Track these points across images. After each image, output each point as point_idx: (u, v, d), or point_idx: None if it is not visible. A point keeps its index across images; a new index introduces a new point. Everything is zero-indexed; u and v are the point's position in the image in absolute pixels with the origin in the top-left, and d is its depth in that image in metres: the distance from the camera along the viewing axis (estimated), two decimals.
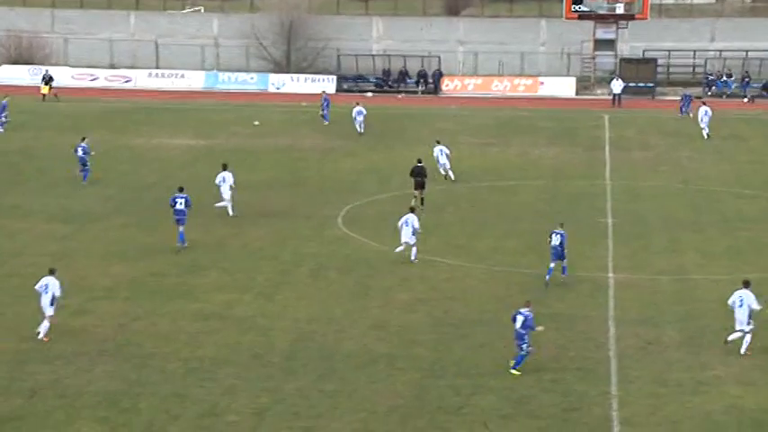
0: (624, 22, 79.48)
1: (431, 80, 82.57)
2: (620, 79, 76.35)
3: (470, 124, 66.97)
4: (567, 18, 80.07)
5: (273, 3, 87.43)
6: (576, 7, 78.67)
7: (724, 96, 76.56)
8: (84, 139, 50.13)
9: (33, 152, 57.89)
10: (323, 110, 65.94)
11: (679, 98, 70.56)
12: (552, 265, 35.55)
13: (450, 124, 67.09)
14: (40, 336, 30.04)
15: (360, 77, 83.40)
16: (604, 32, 79.88)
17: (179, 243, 39.33)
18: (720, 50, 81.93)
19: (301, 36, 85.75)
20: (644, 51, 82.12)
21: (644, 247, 39.83)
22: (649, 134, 64.08)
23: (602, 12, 78.73)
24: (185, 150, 57.15)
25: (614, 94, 75.58)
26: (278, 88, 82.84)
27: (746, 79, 78.86)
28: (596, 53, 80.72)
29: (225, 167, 43.98)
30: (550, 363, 28.72)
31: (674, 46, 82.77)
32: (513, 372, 27.74)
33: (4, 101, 63.66)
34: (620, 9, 78.40)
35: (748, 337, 28.81)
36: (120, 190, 49.23)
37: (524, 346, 27.88)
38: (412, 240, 37.64)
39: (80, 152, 49.51)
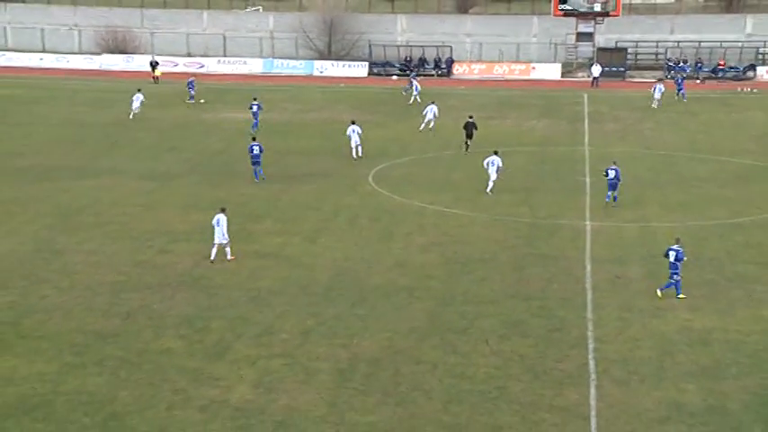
0: (601, 18, 78.54)
1: (444, 66, 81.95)
2: (598, 64, 75.66)
3: (475, 102, 66.45)
4: (554, 15, 79.27)
5: (318, 3, 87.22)
6: (562, 6, 77.96)
7: (682, 78, 75.52)
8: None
9: (126, 124, 57.94)
10: (408, 89, 67.08)
11: (648, 80, 69.74)
12: (609, 192, 38.07)
13: (459, 102, 66.59)
14: (228, 257, 31.23)
15: (387, 63, 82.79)
16: (585, 27, 79.00)
17: (257, 179, 42.04)
18: (678, 41, 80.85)
19: (340, 30, 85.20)
20: (616, 42, 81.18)
21: (614, 201, 39.55)
22: (620, 109, 63.42)
23: (582, 10, 77.94)
24: (246, 123, 56.97)
25: (593, 77, 74.96)
26: (321, 72, 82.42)
27: (699, 64, 77.88)
28: (578, 43, 79.87)
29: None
30: (538, 293, 28.67)
31: (641, 37, 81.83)
32: (670, 294, 27.84)
33: (191, 78, 66.13)
34: (597, 7, 77.65)
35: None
36: (194, 154, 49.26)
37: (675, 275, 27.83)
38: (495, 176, 40.06)
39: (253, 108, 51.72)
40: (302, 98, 68.23)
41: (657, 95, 61.62)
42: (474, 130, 48.64)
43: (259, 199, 40.00)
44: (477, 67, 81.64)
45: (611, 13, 77.83)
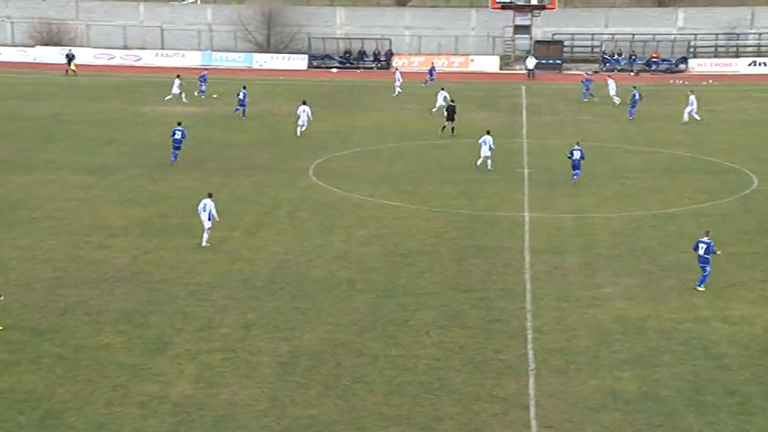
0: (537, 11, 79.16)
1: (383, 58, 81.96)
2: (534, 57, 76.22)
3: (415, 94, 66.55)
4: (492, 8, 79.69)
5: None
6: None
7: (615, 71, 76.57)
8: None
9: (63, 117, 56.95)
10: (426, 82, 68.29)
11: (582, 73, 70.40)
12: (574, 172, 40.14)
13: (399, 94, 66.60)
14: (204, 244, 31.65)
15: (327, 56, 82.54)
16: (522, 19, 79.51)
17: (173, 161, 43.71)
18: (613, 34, 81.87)
19: (279, 23, 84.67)
20: (553, 35, 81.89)
21: (552, 192, 39.98)
22: (557, 102, 64.05)
23: (519, 3, 78.39)
24: (185, 116, 56.31)
25: (529, 70, 75.50)
26: (260, 65, 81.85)
27: (633, 57, 79.01)
28: (515, 36, 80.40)
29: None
30: (478, 285, 28.87)
31: (577, 30, 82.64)
32: (699, 289, 27.83)
33: (203, 73, 65.05)
34: (534, 1, 78.18)
35: None
36: (133, 148, 48.61)
37: (707, 267, 27.85)
38: (488, 153, 42.61)
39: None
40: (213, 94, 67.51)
41: (613, 92, 61.30)
42: (454, 114, 50.73)
43: (199, 193, 39.39)
44: (416, 59, 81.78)
45: (547, 6, 78.50)
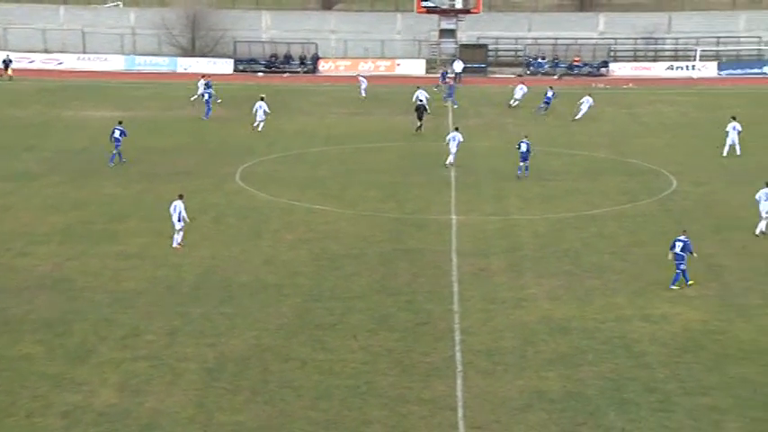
0: (462, 15, 79.89)
1: (310, 62, 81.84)
2: (460, 61, 76.86)
3: (341, 98, 66.63)
4: (417, 12, 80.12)
5: None
6: (425, 3, 78.82)
7: (539, 75, 77.68)
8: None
9: None
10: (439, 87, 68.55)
11: (513, 76, 71.25)
12: (521, 164, 41.79)
13: (325, 98, 66.66)
14: (174, 245, 31.64)
15: (252, 60, 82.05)
16: (447, 23, 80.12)
17: (110, 163, 43.84)
18: (536, 38, 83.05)
19: (203, 26, 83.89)
20: (478, 38, 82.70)
21: (478, 195, 40.34)
22: (482, 105, 64.63)
23: (444, 7, 79.04)
24: (108, 121, 55.42)
25: (456, 73, 76.05)
26: (185, 69, 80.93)
27: (556, 61, 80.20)
28: (441, 40, 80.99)
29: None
30: (405, 288, 28.99)
31: (501, 34, 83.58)
32: (673, 288, 28.26)
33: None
34: (458, 4, 78.85)
35: None
36: (54, 154, 47.67)
37: (682, 265, 28.22)
38: (455, 149, 44.00)
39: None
40: (166, 95, 66.88)
41: (519, 95, 62.45)
42: (424, 113, 52.83)
43: (123, 198, 39.07)
44: (342, 63, 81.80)
45: (472, 10, 79.24)
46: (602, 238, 33.95)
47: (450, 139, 44.57)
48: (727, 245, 32.03)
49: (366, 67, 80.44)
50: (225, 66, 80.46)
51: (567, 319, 26.48)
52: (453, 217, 36.87)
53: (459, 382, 22.60)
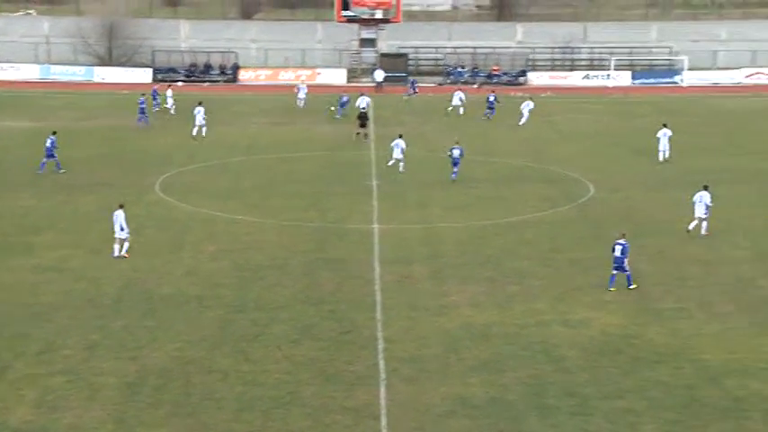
0: (383, 24, 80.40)
1: (230, 71, 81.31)
2: (381, 70, 77.24)
3: (262, 107, 66.34)
4: (338, 21, 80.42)
5: (96, 7, 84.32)
6: (345, 13, 79.12)
7: (459, 83, 78.51)
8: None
9: None
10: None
11: (428, 85, 71.89)
12: (455, 169, 43.59)
13: (246, 107, 66.28)
14: (115, 255, 31.76)
15: (171, 70, 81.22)
16: (367, 33, 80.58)
17: (41, 171, 43.86)
18: (455, 47, 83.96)
19: (121, 35, 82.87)
20: (398, 48, 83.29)
21: (400, 203, 40.53)
22: (403, 113, 65.05)
23: (365, 17, 79.46)
24: (24, 131, 54.41)
25: (378, 82, 76.40)
26: (102, 79, 79.79)
27: (475, 69, 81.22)
28: (362, 49, 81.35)
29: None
30: (329, 297, 28.96)
31: (421, 44, 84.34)
32: (611, 289, 29.02)
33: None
34: (379, 14, 79.40)
35: None
36: None
37: (621, 269, 29.08)
38: (400, 156, 45.08)
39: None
40: (82, 105, 65.73)
41: (459, 103, 63.12)
42: (366, 121, 53.75)
43: (39, 210, 38.25)
44: (263, 73, 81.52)
45: (391, 20, 79.82)
46: (522, 245, 34.45)
47: (394, 146, 45.46)
48: (644, 250, 32.74)
49: (287, 77, 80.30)
50: (143, 75, 79.50)
51: (488, 325, 26.76)
52: (375, 226, 36.98)
53: (382, 390, 22.66)
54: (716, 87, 78.19)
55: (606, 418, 21.32)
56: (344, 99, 61.79)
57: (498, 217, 38.33)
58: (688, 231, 35.07)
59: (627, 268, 29.41)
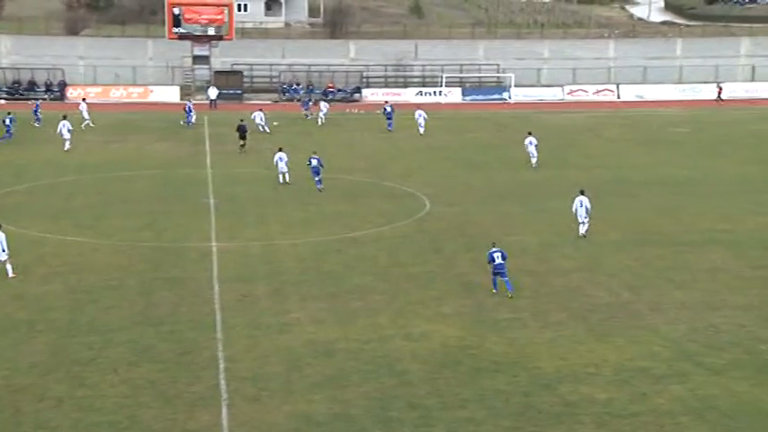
0: (215, 41, 79.59)
1: (57, 89, 78.47)
2: (215, 87, 76.41)
3: (97, 125, 64.24)
4: (169, 38, 78.94)
5: None
6: (176, 30, 77.80)
7: (294, 100, 78.51)
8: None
9: None
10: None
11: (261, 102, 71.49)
12: (317, 178, 45.36)
13: (76, 125, 63.95)
14: (9, 275, 31.22)
15: None
16: (200, 50, 79.48)
17: None
18: (290, 65, 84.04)
19: None
20: (232, 65, 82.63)
21: (239, 221, 40.13)
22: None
23: (197, 33, 78.29)
24: None
25: (211, 99, 75.55)
26: None
27: (310, 87, 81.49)
28: (195, 66, 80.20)
29: None
30: (167, 317, 28.33)
31: (255, 61, 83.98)
32: (509, 293, 30.12)
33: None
34: (211, 31, 78.41)
35: None
36: None
37: (501, 275, 30.13)
38: (285, 169, 46.43)
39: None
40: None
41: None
42: (246, 133, 55.36)
43: None
44: (92, 90, 79.06)
45: (224, 37, 79.04)
46: (362, 260, 34.70)
47: (277, 160, 46.64)
48: (479, 263, 33.50)
49: (118, 94, 78.29)
50: None
51: (331, 341, 26.79)
52: (214, 244, 36.46)
53: (224, 410, 22.30)
54: (541, 103, 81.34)
55: (448, 429, 21.70)
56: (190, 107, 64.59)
57: (338, 233, 38.50)
58: (584, 237, 37.17)
59: (506, 274, 30.35)
